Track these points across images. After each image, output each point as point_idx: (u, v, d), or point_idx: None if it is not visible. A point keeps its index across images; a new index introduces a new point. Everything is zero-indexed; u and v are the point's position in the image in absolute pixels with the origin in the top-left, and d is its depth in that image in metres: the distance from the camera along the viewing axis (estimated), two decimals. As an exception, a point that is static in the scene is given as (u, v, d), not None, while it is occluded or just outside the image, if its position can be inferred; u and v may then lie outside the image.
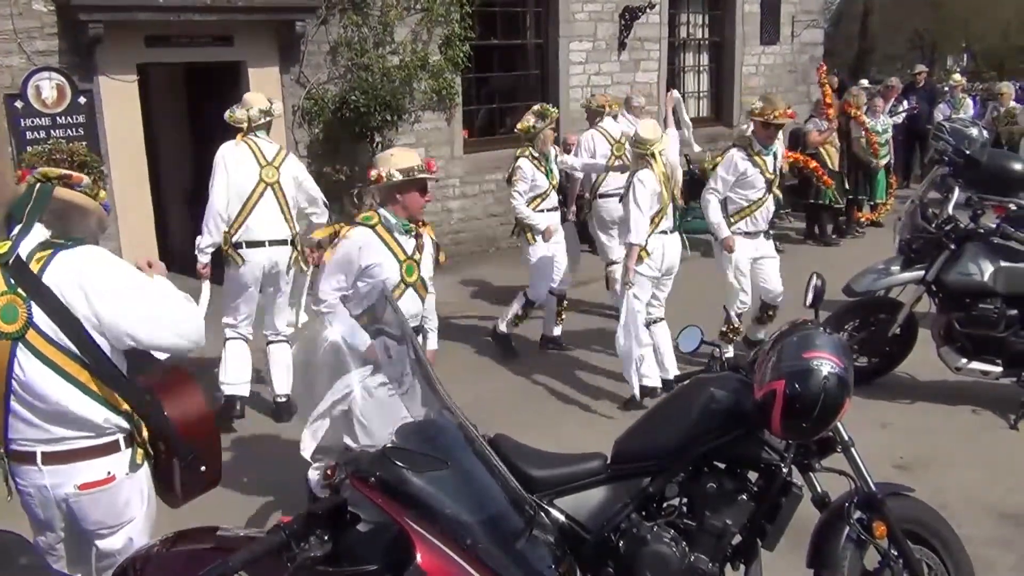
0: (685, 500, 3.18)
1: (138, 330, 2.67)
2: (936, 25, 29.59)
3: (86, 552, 2.87)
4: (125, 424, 2.73)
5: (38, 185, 2.72)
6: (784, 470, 3.09)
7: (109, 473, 2.71)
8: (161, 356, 2.87)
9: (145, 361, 2.83)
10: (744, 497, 3.11)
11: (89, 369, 2.63)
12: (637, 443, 3.29)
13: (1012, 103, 11.95)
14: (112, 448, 2.72)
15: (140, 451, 2.77)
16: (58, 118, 7.48)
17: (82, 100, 7.59)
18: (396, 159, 3.91)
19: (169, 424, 2.70)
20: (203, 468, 2.76)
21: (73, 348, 2.61)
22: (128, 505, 2.78)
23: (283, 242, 5.63)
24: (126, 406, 2.72)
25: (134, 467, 2.76)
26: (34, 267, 2.61)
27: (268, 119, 5.70)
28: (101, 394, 2.66)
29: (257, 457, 5.27)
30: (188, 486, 2.83)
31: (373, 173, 3.91)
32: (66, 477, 2.68)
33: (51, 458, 2.66)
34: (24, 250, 2.63)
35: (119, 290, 2.66)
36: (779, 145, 6.59)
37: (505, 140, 11.06)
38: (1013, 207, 6.36)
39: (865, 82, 15.16)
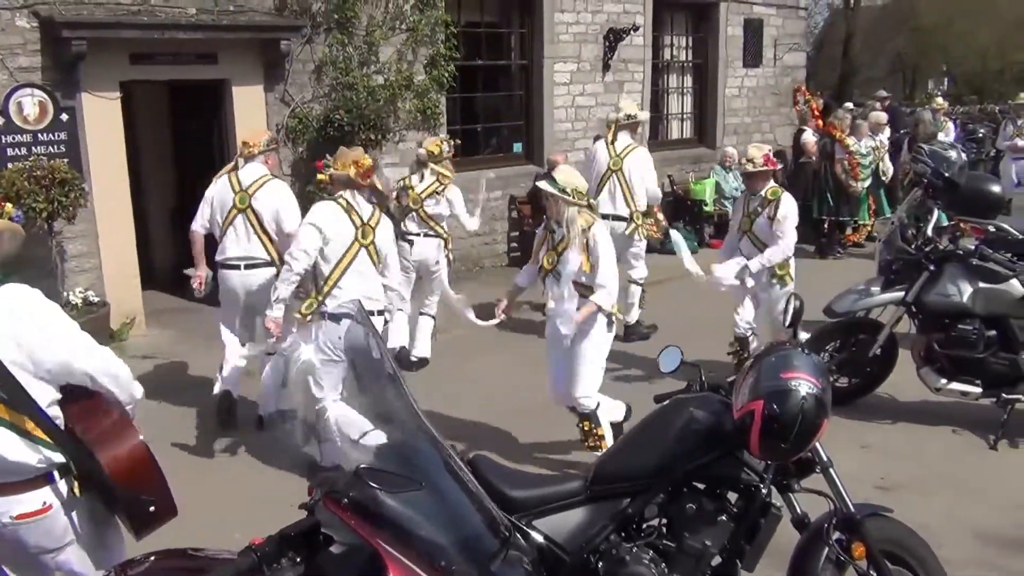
0: (664, 521, 3.18)
1: (76, 357, 2.69)
2: (916, 49, 29.99)
3: (36, 563, 2.86)
4: (61, 458, 2.72)
5: None
6: (763, 491, 3.10)
7: (45, 503, 2.71)
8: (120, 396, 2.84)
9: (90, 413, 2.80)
10: (723, 518, 3.12)
11: (26, 414, 2.63)
12: (617, 464, 3.29)
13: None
14: (46, 481, 2.72)
15: (76, 483, 2.76)
16: (40, 135, 7.41)
17: (64, 117, 7.53)
18: None
19: (100, 469, 2.67)
20: (152, 509, 2.73)
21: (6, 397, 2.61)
22: (67, 530, 2.78)
23: None
24: None
25: (71, 496, 2.76)
26: None
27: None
28: (37, 435, 2.66)
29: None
30: (139, 524, 2.81)
31: None
32: (2, 508, 2.68)
33: None
34: None
35: (52, 325, 2.70)
36: None
37: (490, 160, 11.08)
38: (992, 229, 6.42)
39: (850, 105, 15.30)
